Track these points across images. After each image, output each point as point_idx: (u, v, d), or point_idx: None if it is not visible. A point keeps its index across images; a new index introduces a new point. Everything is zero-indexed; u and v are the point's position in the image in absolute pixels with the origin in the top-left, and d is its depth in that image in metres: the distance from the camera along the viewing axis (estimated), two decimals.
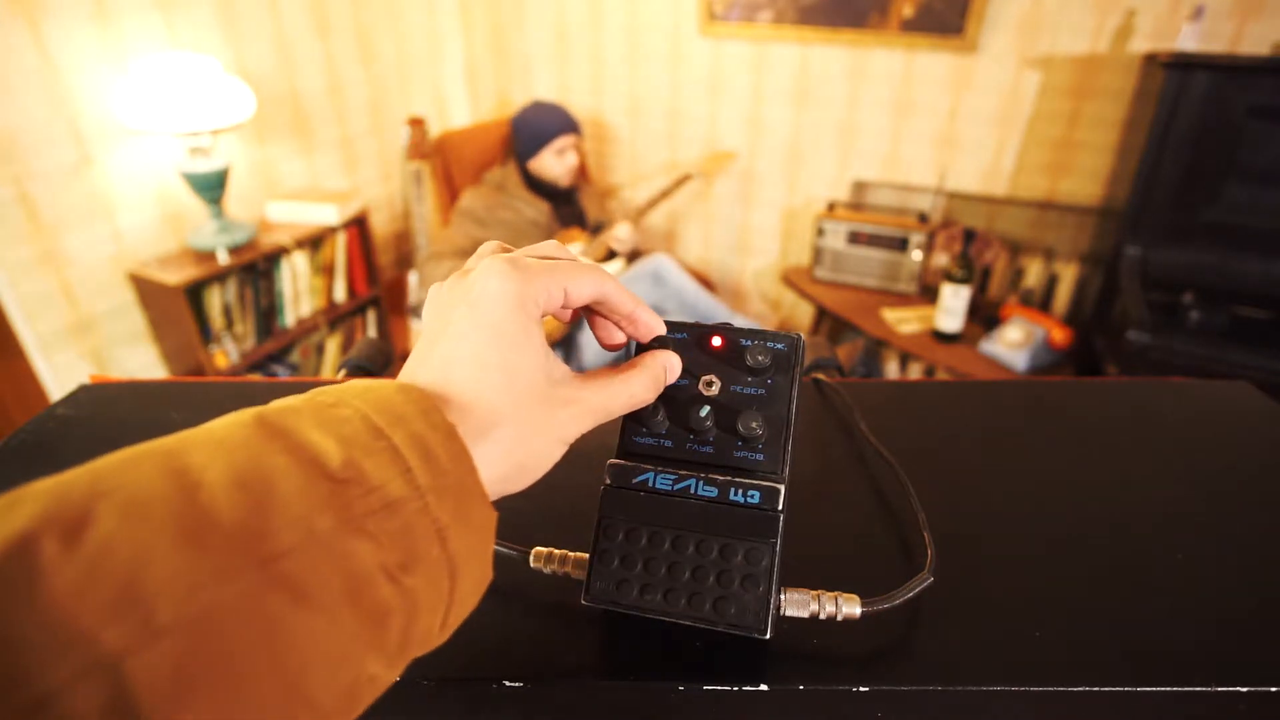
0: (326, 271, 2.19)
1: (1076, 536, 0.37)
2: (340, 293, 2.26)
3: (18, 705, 0.14)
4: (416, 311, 2.63)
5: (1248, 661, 0.30)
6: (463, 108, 2.82)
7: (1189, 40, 1.63)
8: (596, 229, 2.12)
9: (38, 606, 0.15)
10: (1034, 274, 2.08)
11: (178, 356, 1.96)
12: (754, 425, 0.30)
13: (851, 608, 0.29)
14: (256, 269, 1.97)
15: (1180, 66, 1.57)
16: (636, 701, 0.30)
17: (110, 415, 0.47)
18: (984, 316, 2.01)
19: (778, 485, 0.29)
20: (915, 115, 2.14)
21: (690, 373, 0.31)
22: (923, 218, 2.12)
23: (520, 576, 0.33)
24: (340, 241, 2.18)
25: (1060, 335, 1.83)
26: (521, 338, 0.25)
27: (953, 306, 1.87)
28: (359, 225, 2.23)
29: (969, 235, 2.08)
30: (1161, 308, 1.65)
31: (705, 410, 0.30)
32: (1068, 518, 0.38)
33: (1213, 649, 0.30)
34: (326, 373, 2.32)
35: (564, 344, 1.94)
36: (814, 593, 0.30)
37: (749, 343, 0.31)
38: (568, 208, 2.03)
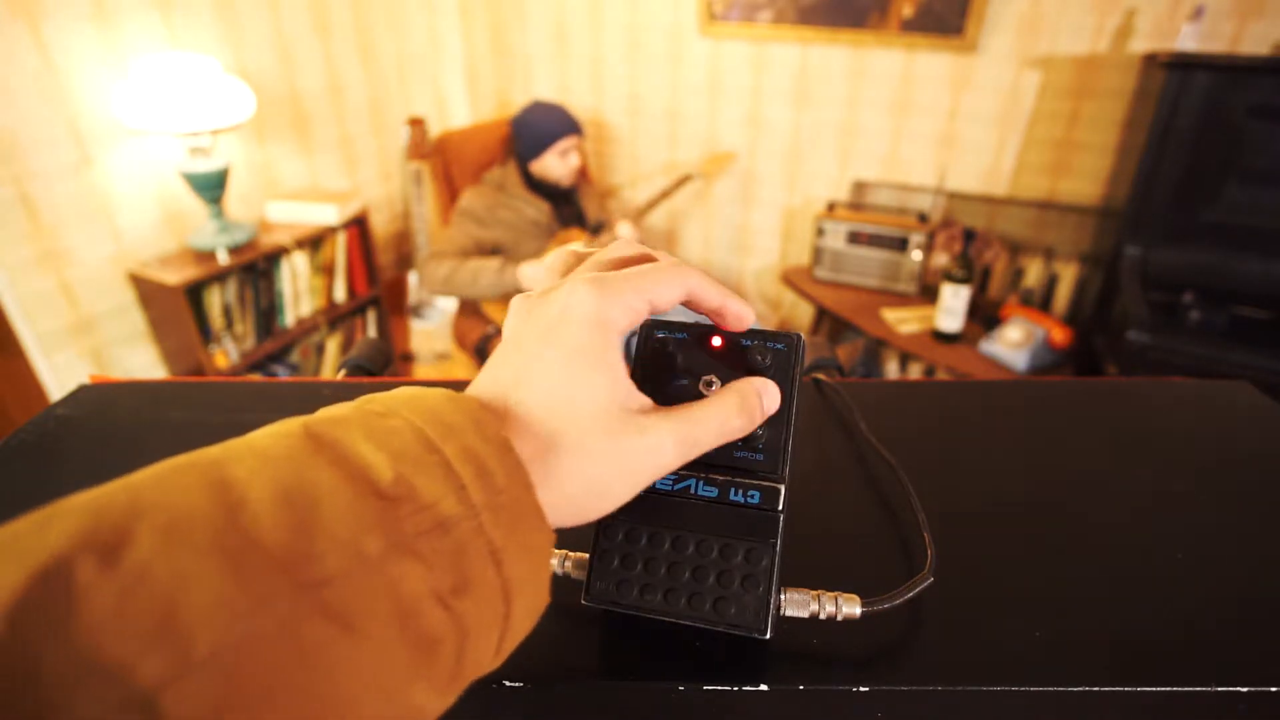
0: (326, 271, 2.20)
1: (1077, 536, 0.37)
2: (340, 293, 2.26)
3: None
4: (417, 311, 2.63)
5: (1248, 661, 0.30)
6: (463, 108, 2.82)
7: (1189, 40, 1.63)
8: (597, 229, 2.12)
9: (72, 634, 0.14)
10: (1034, 274, 2.08)
11: (178, 356, 1.96)
12: None
13: (851, 608, 0.29)
14: (256, 269, 1.97)
15: (1180, 66, 1.57)
16: (636, 701, 0.30)
17: (110, 415, 0.47)
18: (984, 316, 2.01)
19: (778, 485, 0.29)
20: (915, 115, 2.14)
21: (690, 373, 0.31)
22: (923, 218, 2.12)
23: None
24: (340, 241, 2.18)
25: (1060, 335, 1.83)
26: (596, 362, 0.24)
27: (953, 306, 1.87)
28: (359, 225, 2.23)
29: (969, 235, 2.08)
30: (1161, 308, 1.65)
31: None
32: (1068, 518, 0.38)
33: (1213, 649, 0.30)
34: (326, 373, 2.32)
35: None
36: (814, 593, 0.30)
37: (749, 343, 0.31)
38: (568, 208, 2.03)
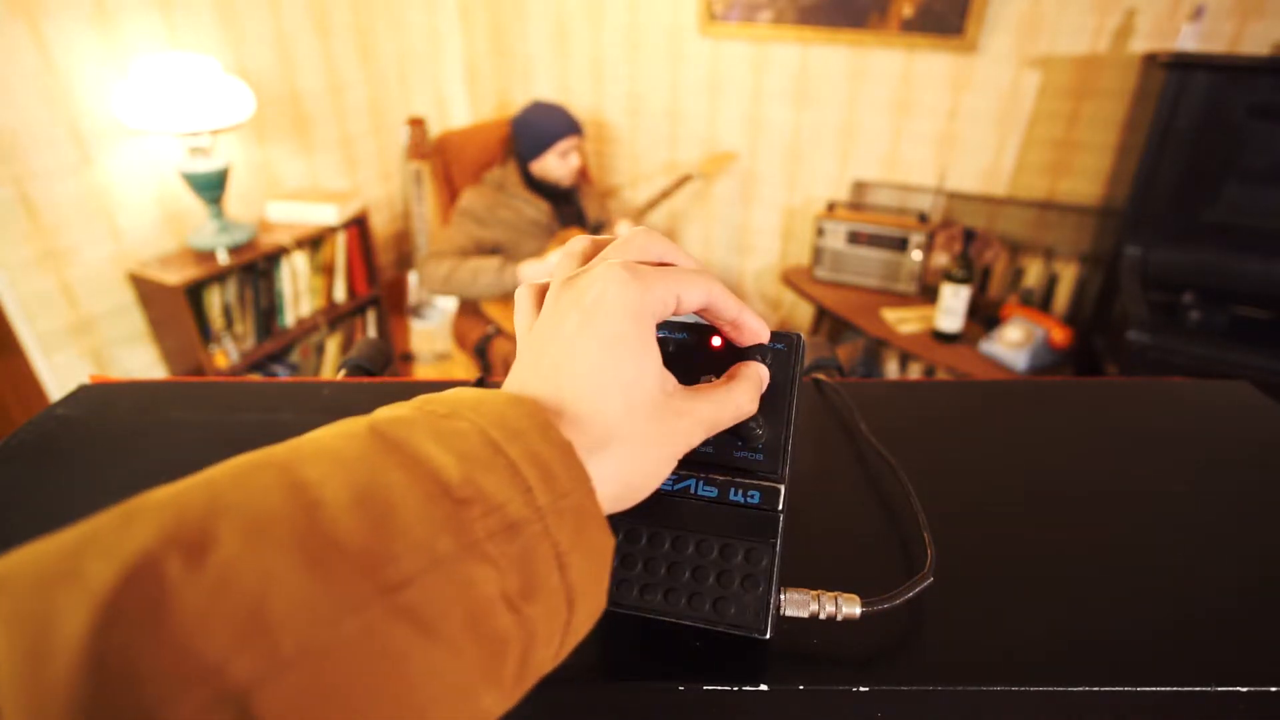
0: (326, 271, 2.20)
1: (1077, 537, 0.37)
2: (340, 293, 2.26)
3: None
4: (416, 311, 2.63)
5: (1248, 661, 0.30)
6: (463, 107, 2.82)
7: (1189, 40, 1.63)
8: (597, 229, 2.12)
9: (164, 633, 0.14)
10: (1034, 274, 2.08)
11: (178, 356, 1.96)
12: (754, 425, 0.30)
13: (851, 608, 0.29)
14: (256, 269, 1.97)
15: (1180, 66, 1.57)
16: (636, 701, 0.30)
17: (110, 415, 0.47)
18: (984, 316, 2.01)
19: (778, 485, 0.29)
20: (915, 115, 2.14)
21: (690, 373, 0.31)
22: (923, 218, 2.12)
23: None
24: (340, 241, 2.18)
25: (1060, 335, 1.83)
26: (640, 349, 0.24)
27: (953, 306, 1.87)
28: (359, 225, 2.23)
29: (969, 235, 2.08)
30: (1161, 308, 1.65)
31: None
32: (1068, 518, 0.38)
33: (1213, 649, 0.30)
34: (326, 373, 2.32)
35: None
36: (814, 593, 0.30)
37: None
38: (568, 207, 2.03)
